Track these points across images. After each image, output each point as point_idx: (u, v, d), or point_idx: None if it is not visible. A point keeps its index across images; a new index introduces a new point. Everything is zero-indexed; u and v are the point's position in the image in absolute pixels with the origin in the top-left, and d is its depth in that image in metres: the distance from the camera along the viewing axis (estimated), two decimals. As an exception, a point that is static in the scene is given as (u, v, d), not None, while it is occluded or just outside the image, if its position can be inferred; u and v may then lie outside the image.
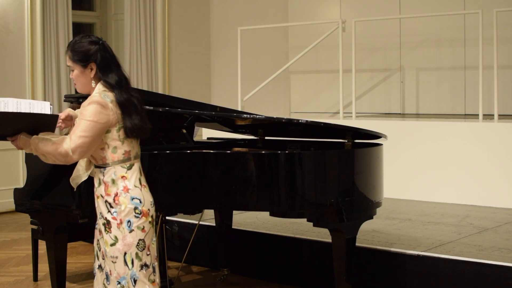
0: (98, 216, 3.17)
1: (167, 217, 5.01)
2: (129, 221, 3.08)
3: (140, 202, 3.10)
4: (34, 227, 4.93)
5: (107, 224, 3.09)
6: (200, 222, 5.25)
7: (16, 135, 3.07)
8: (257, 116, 4.25)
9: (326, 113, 9.09)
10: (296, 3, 9.48)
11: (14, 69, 7.90)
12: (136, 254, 3.09)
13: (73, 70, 3.14)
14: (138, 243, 3.09)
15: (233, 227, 5.15)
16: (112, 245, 3.09)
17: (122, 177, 3.10)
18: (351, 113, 7.74)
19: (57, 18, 8.19)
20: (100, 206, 3.14)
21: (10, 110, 3.07)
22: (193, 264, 5.44)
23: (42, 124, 3.08)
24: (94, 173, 3.18)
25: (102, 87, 3.11)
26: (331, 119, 7.83)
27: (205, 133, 7.18)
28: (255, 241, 5.25)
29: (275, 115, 5.49)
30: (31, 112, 3.11)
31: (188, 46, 9.67)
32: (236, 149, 4.87)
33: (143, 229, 3.11)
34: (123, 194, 3.08)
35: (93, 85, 3.14)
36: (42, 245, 4.98)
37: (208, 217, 5.55)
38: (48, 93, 8.11)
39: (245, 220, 5.65)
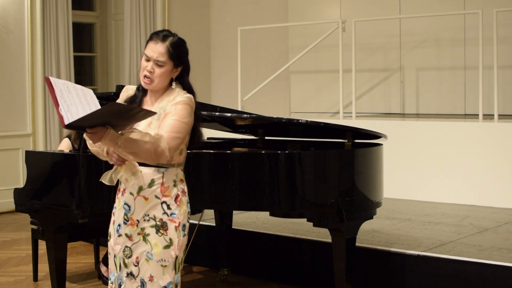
0: (140, 218, 2.97)
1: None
2: (184, 225, 2.99)
3: (190, 207, 3.05)
4: (34, 227, 4.93)
5: (162, 226, 2.95)
6: (200, 222, 5.25)
7: (96, 127, 2.73)
8: (257, 116, 4.25)
9: (326, 113, 9.09)
10: (296, 3, 9.48)
11: (14, 69, 7.90)
12: (182, 259, 3.02)
13: (161, 65, 2.98)
14: (185, 248, 3.02)
15: (233, 227, 5.15)
16: (166, 247, 2.94)
17: (181, 180, 3.03)
18: (351, 113, 7.74)
19: (57, 18, 8.19)
20: (149, 207, 2.96)
21: (73, 94, 2.81)
22: (193, 264, 5.44)
23: (127, 118, 2.82)
24: (137, 172, 2.97)
25: (181, 89, 3.03)
26: (331, 119, 7.83)
27: (205, 133, 7.16)
28: (255, 241, 5.25)
29: (275, 115, 5.49)
30: (147, 109, 2.90)
31: (188, 46, 9.64)
32: (236, 149, 4.87)
33: (187, 234, 3.05)
34: (183, 197, 3.01)
35: (173, 86, 3.03)
36: (42, 245, 4.98)
37: (208, 217, 5.55)
38: (48, 93, 8.11)
39: (245, 220, 5.64)
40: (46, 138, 8.09)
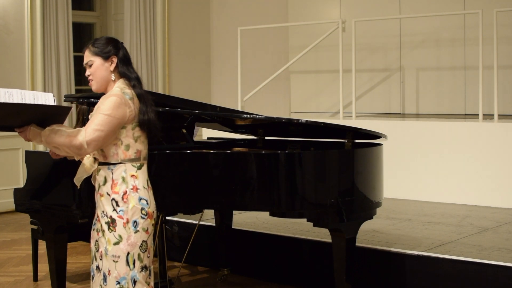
0: (100, 215, 3.12)
1: (167, 217, 5.02)
2: (135, 221, 3.07)
3: (147, 203, 3.10)
4: (34, 227, 4.93)
5: (112, 222, 3.07)
6: (200, 222, 5.25)
7: (24, 126, 3.04)
8: (257, 116, 4.25)
9: (326, 113, 9.09)
10: (296, 3, 9.48)
11: (14, 69, 7.90)
12: (139, 255, 3.10)
13: (90, 66, 3.12)
14: (141, 244, 3.10)
15: (233, 227, 5.15)
16: (115, 244, 3.07)
17: (132, 176, 3.09)
18: (351, 113, 7.74)
19: (57, 18, 8.19)
20: (104, 204, 3.10)
21: (14, 101, 3.02)
22: (193, 264, 5.44)
23: (52, 115, 3.04)
24: (98, 171, 3.14)
25: (122, 84, 3.11)
26: (331, 119, 7.83)
27: (205, 133, 7.18)
28: (255, 241, 5.25)
29: (275, 115, 5.49)
30: (44, 104, 3.06)
31: (188, 46, 9.67)
32: (236, 149, 4.87)
33: (147, 231, 3.11)
34: (132, 193, 3.07)
35: (112, 78, 3.12)
36: (42, 245, 4.98)
37: (208, 217, 5.55)
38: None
39: (245, 220, 5.64)
40: (46, 138, 8.08)
